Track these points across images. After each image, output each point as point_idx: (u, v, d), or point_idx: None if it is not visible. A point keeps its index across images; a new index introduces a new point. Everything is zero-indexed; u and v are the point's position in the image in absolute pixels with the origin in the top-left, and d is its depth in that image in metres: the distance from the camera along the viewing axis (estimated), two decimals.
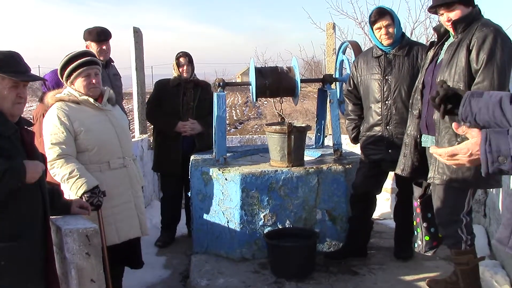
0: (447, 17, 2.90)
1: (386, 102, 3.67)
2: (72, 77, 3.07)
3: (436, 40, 3.16)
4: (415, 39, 9.29)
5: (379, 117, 3.71)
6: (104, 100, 3.18)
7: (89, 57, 3.11)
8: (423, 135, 3.14)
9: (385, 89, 3.67)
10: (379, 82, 3.69)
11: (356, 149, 4.38)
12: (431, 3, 2.98)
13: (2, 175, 2.04)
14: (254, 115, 28.45)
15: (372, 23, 3.70)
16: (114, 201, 3.11)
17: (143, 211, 3.35)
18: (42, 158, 2.48)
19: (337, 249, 4.00)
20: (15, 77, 2.18)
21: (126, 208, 3.20)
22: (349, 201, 3.96)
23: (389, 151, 3.67)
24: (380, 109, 3.70)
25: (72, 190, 2.87)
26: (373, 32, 3.72)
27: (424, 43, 9.15)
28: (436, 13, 3.02)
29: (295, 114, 23.13)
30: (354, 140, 4.01)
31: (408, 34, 9.48)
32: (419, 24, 9.72)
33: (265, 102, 35.78)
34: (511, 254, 1.94)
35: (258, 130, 22.05)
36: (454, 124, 1.71)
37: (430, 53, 3.14)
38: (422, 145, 3.16)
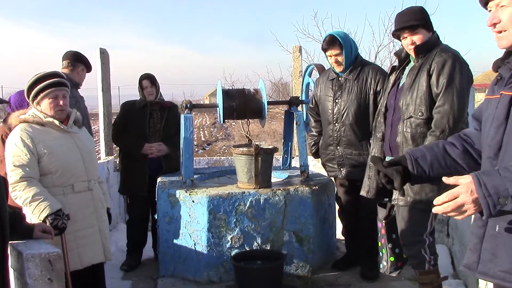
0: (410, 40, 3.02)
1: (336, 124, 3.87)
2: (38, 98, 3.02)
3: (397, 64, 3.27)
4: (379, 63, 9.59)
5: (331, 138, 3.93)
6: (70, 122, 3.14)
7: (58, 78, 3.07)
8: (386, 157, 3.22)
9: (335, 111, 3.87)
10: (331, 104, 3.90)
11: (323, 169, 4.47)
12: (395, 27, 3.10)
13: None
14: (222, 136, 28.45)
15: (324, 50, 3.90)
16: (77, 225, 3.05)
17: (107, 235, 3.29)
18: (4, 183, 2.42)
19: (340, 258, 4.19)
20: None
21: (90, 232, 3.14)
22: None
23: (341, 169, 3.92)
24: (331, 131, 3.91)
25: (35, 213, 2.80)
26: (327, 58, 3.92)
27: (389, 66, 9.47)
28: (399, 38, 3.13)
29: (263, 135, 23.28)
30: (315, 155, 4.25)
31: (372, 57, 9.78)
32: (383, 48, 10.03)
33: (233, 124, 35.88)
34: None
35: (226, 151, 22.03)
36: (444, 178, 1.69)
37: (392, 77, 3.25)
38: None
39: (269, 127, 21.91)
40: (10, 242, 2.40)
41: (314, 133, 4.23)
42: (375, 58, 9.94)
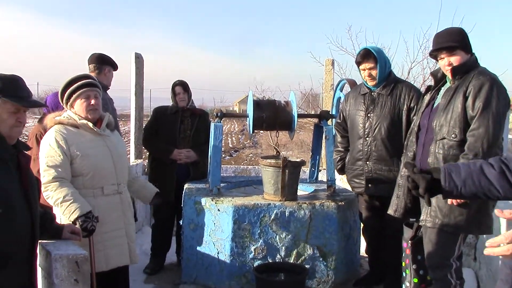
0: (447, 61, 2.99)
1: (367, 138, 3.84)
2: (71, 99, 3.10)
3: (433, 84, 3.24)
4: (412, 79, 9.48)
5: (360, 153, 3.90)
6: (103, 125, 3.21)
7: (89, 80, 3.15)
8: None
9: (366, 126, 3.85)
10: (362, 118, 3.88)
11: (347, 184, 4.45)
12: (433, 47, 3.07)
13: None
14: (249, 143, 28.51)
15: (357, 63, 3.90)
16: (105, 227, 3.10)
17: (133, 239, 3.33)
18: (36, 182, 2.48)
19: (362, 276, 4.17)
20: (17, 102, 2.20)
21: (117, 235, 3.19)
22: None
23: (369, 185, 3.89)
24: (361, 145, 3.89)
25: (65, 214, 2.86)
26: (360, 71, 3.91)
27: (421, 83, 9.36)
28: (436, 58, 3.10)
29: (290, 145, 23.22)
30: (340, 171, 4.22)
31: (405, 73, 9.66)
32: (417, 64, 9.90)
33: (261, 132, 35.94)
34: None
35: (253, 159, 22.08)
36: (496, 211, 1.66)
37: (427, 97, 3.21)
38: None
39: (297, 137, 21.83)
40: (39, 241, 2.46)
41: (340, 148, 4.21)
42: (408, 74, 9.82)
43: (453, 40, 2.96)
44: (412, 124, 3.32)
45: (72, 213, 2.86)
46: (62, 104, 3.21)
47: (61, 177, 2.97)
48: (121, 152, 3.32)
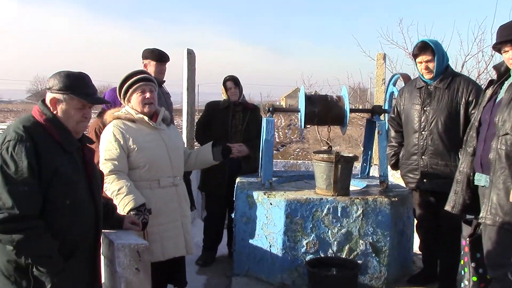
0: (509, 56, 2.88)
1: (423, 132, 3.77)
2: (128, 94, 3.22)
3: (495, 78, 3.14)
4: (466, 73, 9.17)
5: (415, 147, 3.83)
6: (158, 119, 3.30)
7: (144, 74, 3.25)
8: (476, 173, 3.09)
9: (422, 119, 3.78)
10: (418, 112, 3.81)
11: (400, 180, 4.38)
12: (497, 39, 2.97)
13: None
14: (296, 138, 28.43)
15: (414, 56, 3.84)
16: (162, 219, 3.20)
17: (189, 230, 3.42)
18: (100, 175, 2.59)
19: (416, 273, 4.13)
20: (85, 99, 2.30)
21: (173, 226, 3.28)
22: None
23: (424, 180, 3.81)
24: (417, 139, 3.82)
25: (120, 206, 2.97)
26: (416, 64, 3.84)
27: (476, 76, 9.05)
28: (499, 51, 3.00)
29: (338, 140, 22.99)
30: (394, 166, 4.16)
31: (459, 66, 9.35)
32: (471, 57, 9.54)
33: (308, 127, 35.76)
34: None
35: (300, 153, 22.04)
36: None
37: (489, 91, 3.12)
38: (475, 184, 3.11)
39: (350, 133, 21.64)
40: (102, 231, 2.56)
41: (394, 143, 4.14)
42: (462, 67, 9.47)
43: None
44: (473, 119, 3.23)
45: (126, 205, 2.96)
46: (120, 99, 3.33)
47: (118, 170, 3.08)
48: (177, 146, 3.40)
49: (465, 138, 3.25)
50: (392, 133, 4.15)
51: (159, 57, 4.49)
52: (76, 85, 2.30)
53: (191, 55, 6.11)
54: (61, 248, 2.22)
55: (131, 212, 2.94)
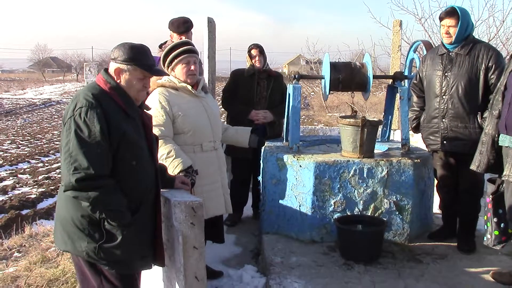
0: None
1: (444, 96, 3.95)
2: (173, 64, 3.39)
3: None
4: (476, 37, 9.28)
5: (436, 111, 4.03)
6: (199, 88, 3.49)
7: (189, 46, 3.42)
8: (501, 135, 3.31)
9: (444, 84, 3.96)
10: (439, 78, 4.00)
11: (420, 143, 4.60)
12: None
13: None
14: (302, 106, 28.61)
15: (440, 19, 4.01)
16: (204, 181, 3.43)
17: (227, 191, 3.67)
18: (156, 139, 2.80)
19: (436, 230, 4.39)
20: (147, 70, 2.49)
21: (214, 187, 3.51)
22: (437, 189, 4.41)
23: (444, 142, 4.02)
24: (438, 103, 4.01)
25: (169, 168, 3.17)
26: (440, 27, 4.04)
27: (487, 42, 9.14)
28: None
29: (343, 107, 23.15)
30: (415, 129, 4.37)
31: None
32: (482, 23, 9.64)
33: (312, 93, 35.77)
34: None
35: (305, 120, 22.21)
36: None
37: None
38: (499, 144, 3.34)
39: (349, 99, 21.80)
40: None
41: (416, 108, 4.33)
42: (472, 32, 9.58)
43: None
44: (499, 83, 3.42)
45: (176, 167, 3.18)
46: (163, 68, 3.50)
47: (164, 135, 3.28)
48: (215, 112, 3.60)
49: (491, 101, 3.46)
50: (415, 98, 4.34)
51: (177, 28, 4.62)
52: (139, 57, 2.48)
53: (211, 23, 6.22)
54: (129, 204, 2.45)
55: (180, 174, 3.15)
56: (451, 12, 3.87)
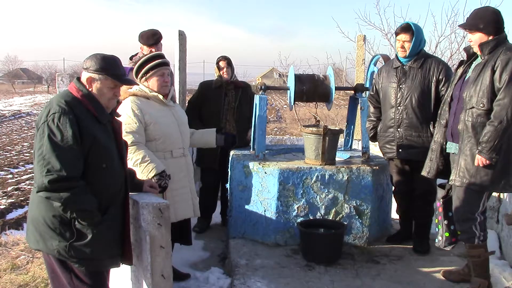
0: (469, 39, 3.38)
1: (399, 107, 4.23)
2: (148, 75, 3.56)
3: (465, 59, 3.61)
4: (439, 53, 9.70)
5: (392, 120, 4.29)
6: (169, 97, 3.67)
7: (164, 59, 3.61)
8: (448, 142, 3.59)
9: (398, 96, 4.24)
10: (394, 89, 4.27)
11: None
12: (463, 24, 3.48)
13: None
14: (273, 118, 28.82)
15: (396, 34, 4.31)
16: (173, 185, 3.58)
17: (196, 195, 3.83)
18: (125, 144, 2.96)
19: (394, 233, 4.64)
20: (118, 80, 2.66)
21: (183, 192, 3.68)
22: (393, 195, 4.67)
23: (400, 150, 4.27)
24: (393, 114, 4.28)
25: (144, 173, 3.33)
26: (396, 42, 4.32)
27: (449, 57, 9.59)
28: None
29: (314, 120, 23.40)
30: (372, 138, 4.61)
31: (433, 47, 9.88)
32: (444, 39, 10.06)
33: (285, 106, 36.15)
34: None
35: (278, 132, 22.46)
36: None
37: (460, 70, 3.60)
38: (447, 151, 3.62)
39: (321, 112, 22.16)
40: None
41: (372, 118, 4.58)
42: (436, 48, 10.00)
43: (475, 23, 3.33)
44: (446, 95, 3.71)
45: (150, 171, 3.34)
46: (134, 78, 3.66)
47: (138, 141, 3.44)
48: (184, 121, 3.78)
49: (439, 111, 3.74)
50: (371, 109, 4.60)
51: (148, 41, 4.79)
52: (110, 67, 2.64)
53: (182, 36, 6.42)
54: (98, 205, 2.59)
55: (154, 178, 3.31)
56: (406, 28, 4.15)
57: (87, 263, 2.60)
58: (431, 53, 7.24)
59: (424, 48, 4.32)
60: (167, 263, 2.92)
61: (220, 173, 5.13)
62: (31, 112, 28.77)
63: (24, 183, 12.04)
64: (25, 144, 15.05)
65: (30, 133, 17.22)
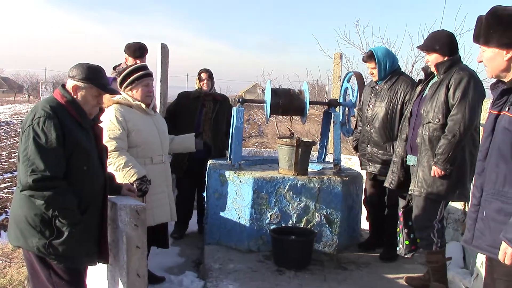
0: (426, 59, 3.66)
1: (369, 126, 4.52)
2: (133, 85, 3.74)
3: (423, 78, 3.89)
4: (415, 73, 10.02)
5: (364, 137, 4.60)
6: (151, 106, 3.86)
7: (149, 70, 3.81)
8: (408, 155, 3.85)
9: (369, 115, 4.52)
10: (368, 108, 4.55)
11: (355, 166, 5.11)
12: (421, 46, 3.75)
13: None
14: (255, 133, 29.07)
15: (364, 61, 4.61)
16: (152, 190, 3.73)
17: (173, 200, 4.00)
18: (106, 149, 3.13)
19: (364, 241, 4.91)
20: (102, 89, 2.84)
21: (161, 197, 3.85)
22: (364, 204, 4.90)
23: (370, 164, 4.57)
24: (365, 131, 4.59)
25: (126, 177, 3.49)
26: None
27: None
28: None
29: (297, 134, 23.70)
30: (355, 149, 4.95)
31: (409, 67, 10.19)
32: (421, 59, 10.38)
33: (267, 123, 36.44)
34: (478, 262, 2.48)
35: (258, 146, 22.69)
36: None
37: (418, 88, 3.87)
38: (407, 163, 3.87)
39: (302, 127, 22.47)
40: None
41: (357, 131, 4.88)
42: (412, 68, 10.30)
43: (432, 44, 3.63)
44: (406, 111, 3.98)
45: (131, 176, 3.50)
46: (117, 87, 3.83)
47: (120, 147, 3.60)
48: (164, 129, 3.97)
49: (400, 126, 4.01)
50: (359, 122, 4.88)
51: (133, 53, 4.97)
52: (95, 76, 2.82)
53: (164, 49, 6.61)
54: (78, 205, 2.75)
55: (135, 182, 3.48)
56: (369, 57, 4.46)
57: (65, 260, 2.74)
58: (408, 73, 7.56)
59: (400, 66, 4.59)
60: (143, 263, 3.06)
61: (195, 181, 5.29)
62: (10, 121, 28.45)
63: (2, 192, 12.00)
64: (4, 153, 14.99)
65: (9, 143, 17.10)
